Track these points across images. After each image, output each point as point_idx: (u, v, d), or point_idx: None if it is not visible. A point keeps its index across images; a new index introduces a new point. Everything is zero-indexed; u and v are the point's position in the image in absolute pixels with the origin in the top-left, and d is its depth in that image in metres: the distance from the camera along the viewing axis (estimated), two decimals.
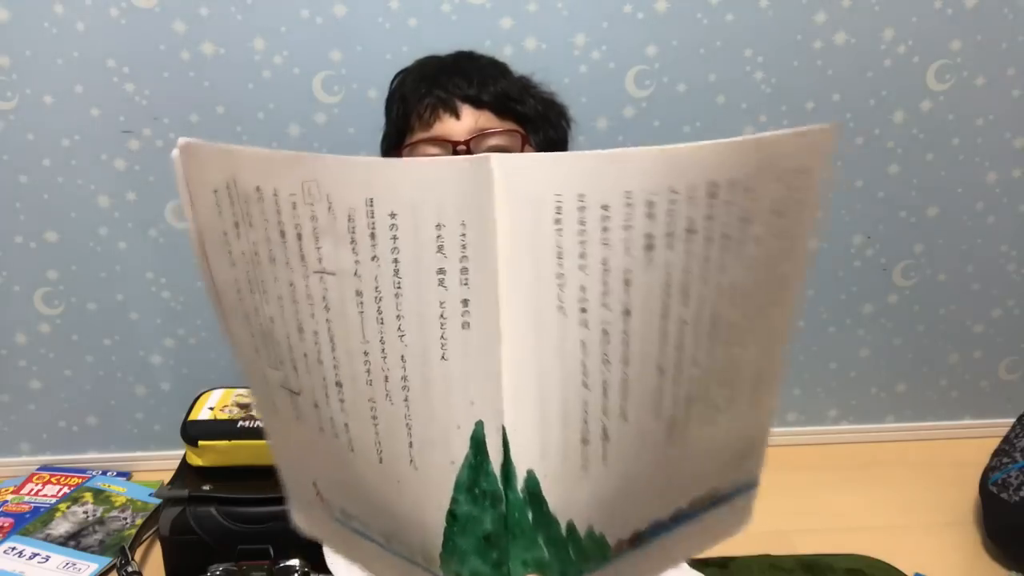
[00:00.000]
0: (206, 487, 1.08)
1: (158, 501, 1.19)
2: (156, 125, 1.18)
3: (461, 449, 0.37)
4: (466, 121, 0.73)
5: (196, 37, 1.13)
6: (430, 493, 0.39)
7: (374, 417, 0.38)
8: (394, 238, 0.35)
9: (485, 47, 0.91)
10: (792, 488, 1.29)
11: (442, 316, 0.36)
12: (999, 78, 1.22)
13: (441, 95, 0.74)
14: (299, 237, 0.37)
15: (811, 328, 1.36)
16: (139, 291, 1.27)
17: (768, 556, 1.14)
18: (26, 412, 1.33)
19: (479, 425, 0.37)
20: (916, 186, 1.28)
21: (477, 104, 0.74)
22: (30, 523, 1.19)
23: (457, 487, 0.38)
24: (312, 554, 1.06)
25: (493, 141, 0.73)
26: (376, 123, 0.85)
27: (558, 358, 0.36)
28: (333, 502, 0.45)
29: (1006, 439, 1.21)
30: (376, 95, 1.14)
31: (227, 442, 1.09)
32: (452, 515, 0.38)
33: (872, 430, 1.43)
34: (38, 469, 1.33)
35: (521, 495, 0.37)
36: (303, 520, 0.49)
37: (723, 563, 1.12)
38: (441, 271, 0.35)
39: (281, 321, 0.39)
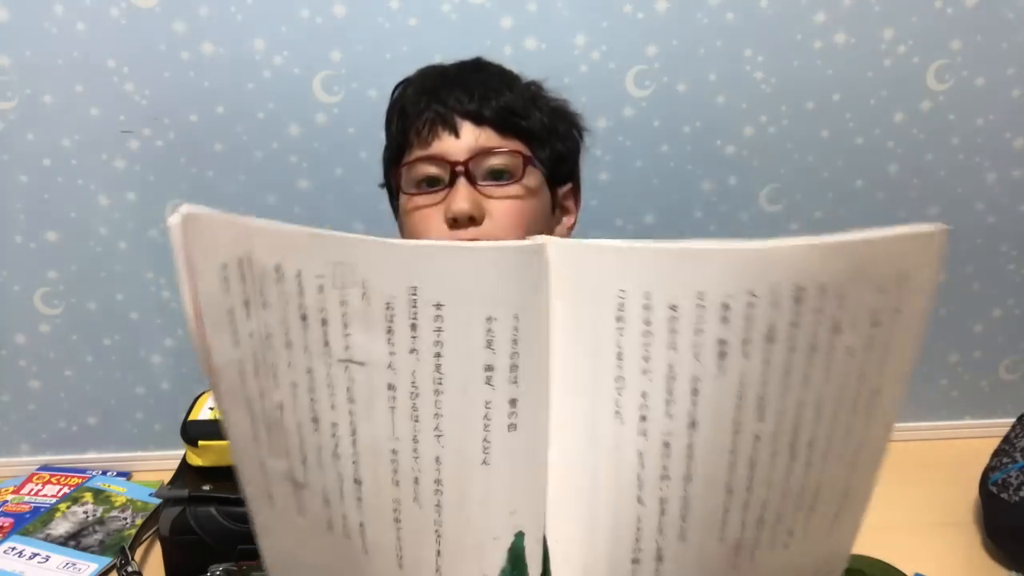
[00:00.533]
0: (206, 487, 1.07)
1: (158, 501, 1.19)
2: (156, 125, 1.18)
3: (497, 563, 0.34)
4: (466, 139, 0.70)
5: (196, 37, 1.13)
6: None
7: (397, 520, 0.34)
8: (438, 330, 0.32)
9: (485, 47, 0.92)
10: None
11: (487, 417, 0.33)
12: (999, 78, 1.22)
13: (440, 110, 0.71)
14: (324, 323, 0.33)
15: None
16: (139, 291, 1.27)
17: None
18: (26, 412, 1.33)
19: (519, 537, 0.34)
20: (916, 186, 1.28)
21: (478, 120, 0.70)
22: (30, 523, 1.19)
23: None
24: None
25: (493, 161, 0.70)
26: (376, 123, 0.85)
27: (612, 468, 0.33)
28: None
29: (1006, 439, 1.21)
30: (376, 95, 1.14)
31: (227, 442, 1.09)
32: None
33: None
34: (38, 469, 1.33)
35: None
36: None
37: None
38: (489, 368, 0.32)
39: (292, 410, 0.35)
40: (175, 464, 1.14)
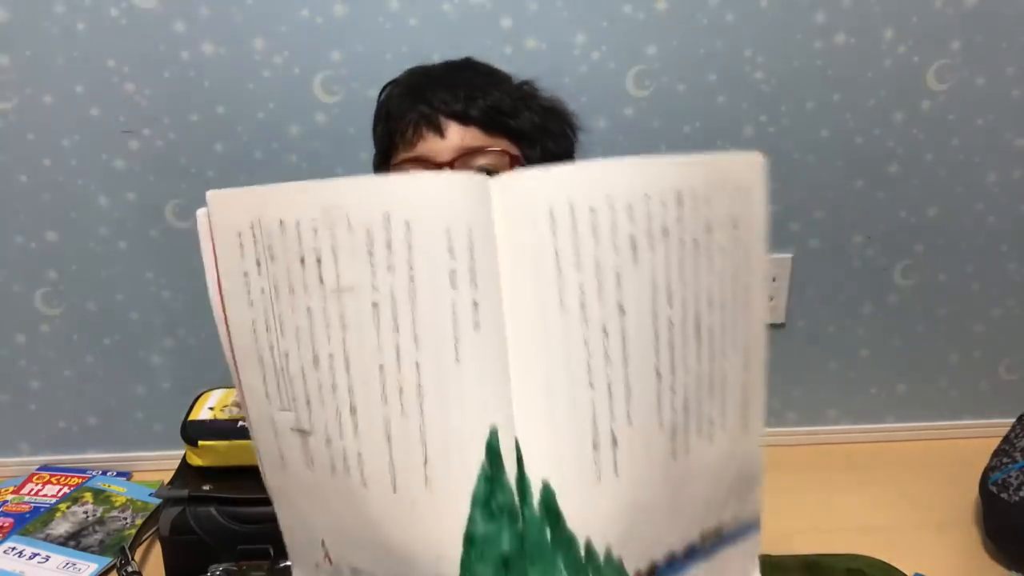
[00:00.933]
0: (206, 487, 1.07)
1: (158, 501, 1.19)
2: (156, 125, 1.18)
3: (476, 460, 0.37)
4: (451, 139, 0.70)
5: (196, 37, 1.13)
6: (446, 516, 0.38)
7: (388, 437, 0.39)
8: (409, 246, 0.37)
9: (485, 47, 0.92)
10: (792, 488, 1.29)
11: (454, 317, 0.37)
12: (999, 78, 1.22)
13: (425, 111, 0.70)
14: (318, 262, 0.39)
15: (811, 328, 1.36)
16: (139, 291, 1.27)
17: (768, 556, 1.13)
18: (26, 412, 1.33)
19: (494, 433, 0.37)
20: (916, 186, 1.28)
21: (463, 120, 0.70)
22: (30, 523, 1.19)
23: (473, 503, 0.38)
24: None
25: (479, 161, 0.70)
26: None
27: (563, 358, 0.37)
28: (341, 561, 0.44)
29: (1006, 439, 1.21)
30: (376, 95, 1.14)
31: (227, 442, 1.09)
32: (468, 539, 0.38)
33: (872, 430, 1.43)
34: (38, 469, 1.33)
35: (537, 511, 0.37)
36: None
37: None
38: (452, 272, 0.37)
39: (297, 354, 0.41)
40: (175, 464, 1.14)
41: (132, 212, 1.22)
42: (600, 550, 0.39)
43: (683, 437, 0.41)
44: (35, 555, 1.12)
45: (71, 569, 1.10)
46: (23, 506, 1.23)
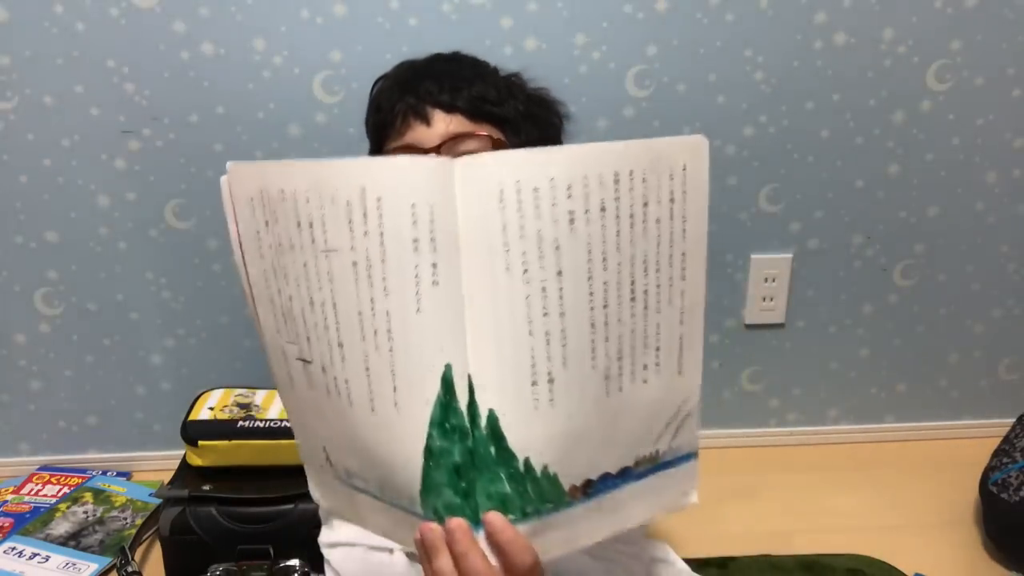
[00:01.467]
0: (206, 487, 1.08)
1: (158, 501, 1.19)
2: (156, 125, 1.18)
3: (433, 389, 0.46)
4: (437, 127, 0.73)
5: (196, 37, 1.13)
6: (411, 431, 0.46)
7: (367, 369, 0.47)
8: (380, 215, 0.44)
9: (485, 47, 0.92)
10: (792, 488, 1.29)
11: (416, 276, 0.45)
12: (999, 78, 1.22)
13: (411, 101, 0.74)
14: (311, 225, 0.47)
15: (811, 328, 1.36)
16: (139, 291, 1.27)
17: (768, 556, 1.14)
18: (26, 412, 1.33)
19: (448, 368, 0.46)
20: (916, 186, 1.28)
21: (449, 109, 0.73)
22: (30, 523, 1.19)
23: (431, 423, 0.46)
24: (312, 554, 1.06)
25: (464, 146, 0.73)
26: None
27: (508, 311, 0.45)
28: (338, 464, 0.53)
29: (1006, 439, 1.21)
30: None
31: (227, 442, 1.09)
32: (428, 450, 0.46)
33: (872, 430, 1.43)
34: (38, 469, 1.33)
35: (484, 432, 0.46)
36: (317, 488, 0.58)
37: (723, 563, 1.12)
38: (415, 240, 0.44)
39: (298, 298, 0.49)
40: (175, 464, 1.14)
41: (132, 212, 1.22)
42: (537, 466, 0.47)
43: (616, 380, 0.48)
44: (35, 555, 1.12)
45: (71, 569, 1.10)
46: (23, 506, 1.23)
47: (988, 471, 1.17)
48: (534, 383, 0.46)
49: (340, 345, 0.48)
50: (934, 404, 1.42)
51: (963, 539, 1.18)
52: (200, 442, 1.09)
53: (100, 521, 1.21)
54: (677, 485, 0.54)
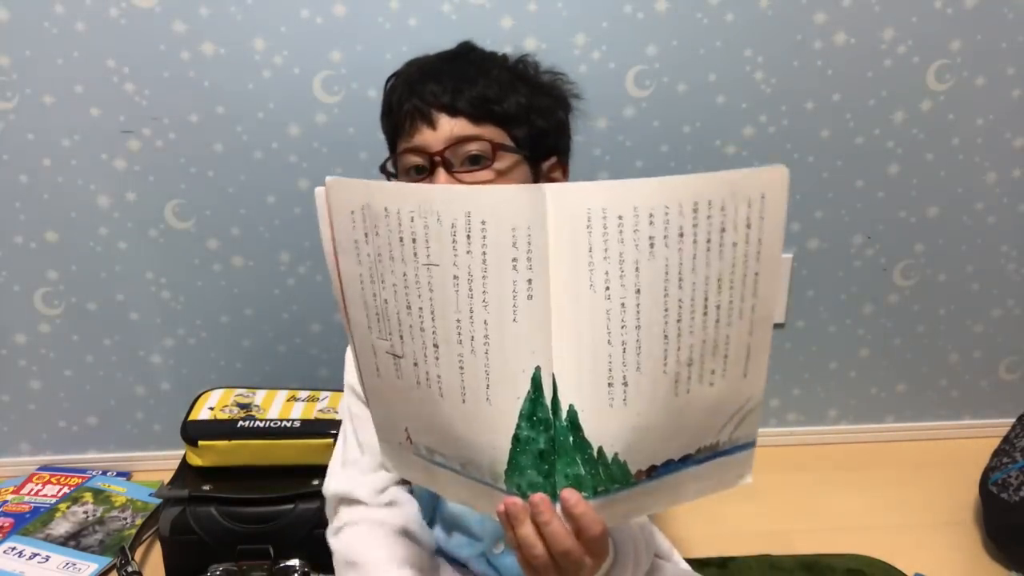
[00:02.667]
0: (206, 487, 1.08)
1: (158, 501, 1.19)
2: (156, 125, 1.18)
3: (524, 387, 0.52)
4: (442, 130, 0.76)
5: (196, 37, 1.13)
6: (501, 423, 0.53)
7: (461, 368, 0.54)
8: (484, 237, 0.50)
9: (485, 47, 0.91)
10: (792, 488, 1.29)
11: (514, 291, 0.51)
12: (999, 78, 1.22)
13: (418, 104, 0.77)
14: (413, 241, 0.52)
15: (811, 328, 1.36)
16: (139, 291, 1.27)
17: (768, 556, 1.14)
18: (26, 412, 1.33)
19: (537, 370, 0.52)
20: (916, 186, 1.28)
21: (452, 112, 0.76)
22: (30, 523, 1.19)
23: (521, 416, 0.53)
24: (312, 554, 1.06)
25: (466, 148, 0.76)
26: (376, 123, 0.85)
27: (589, 322, 0.51)
28: (419, 442, 0.60)
29: (1006, 439, 1.21)
30: (376, 95, 1.13)
31: (227, 442, 1.09)
32: (516, 439, 0.53)
33: (872, 430, 1.43)
34: (38, 469, 1.33)
35: (564, 423, 0.52)
36: (390, 458, 0.65)
37: (723, 563, 1.12)
38: (514, 260, 0.50)
39: (394, 302, 0.55)
40: (175, 464, 1.14)
41: (132, 212, 1.22)
42: (609, 454, 0.53)
43: (685, 383, 0.53)
44: (35, 555, 1.12)
45: (71, 569, 1.10)
46: (23, 506, 1.24)
47: (988, 471, 1.17)
48: (610, 384, 0.52)
49: (435, 346, 0.54)
50: (934, 404, 1.42)
51: (963, 539, 1.18)
52: (200, 442, 1.09)
53: (100, 521, 1.21)
54: (733, 469, 0.59)
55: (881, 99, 1.23)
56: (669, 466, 0.56)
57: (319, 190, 0.56)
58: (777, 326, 1.35)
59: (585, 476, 0.54)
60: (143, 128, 1.18)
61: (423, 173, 0.78)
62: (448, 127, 0.76)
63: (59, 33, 1.12)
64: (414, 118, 0.77)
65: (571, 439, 0.53)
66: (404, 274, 0.53)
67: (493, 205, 0.50)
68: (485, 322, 0.52)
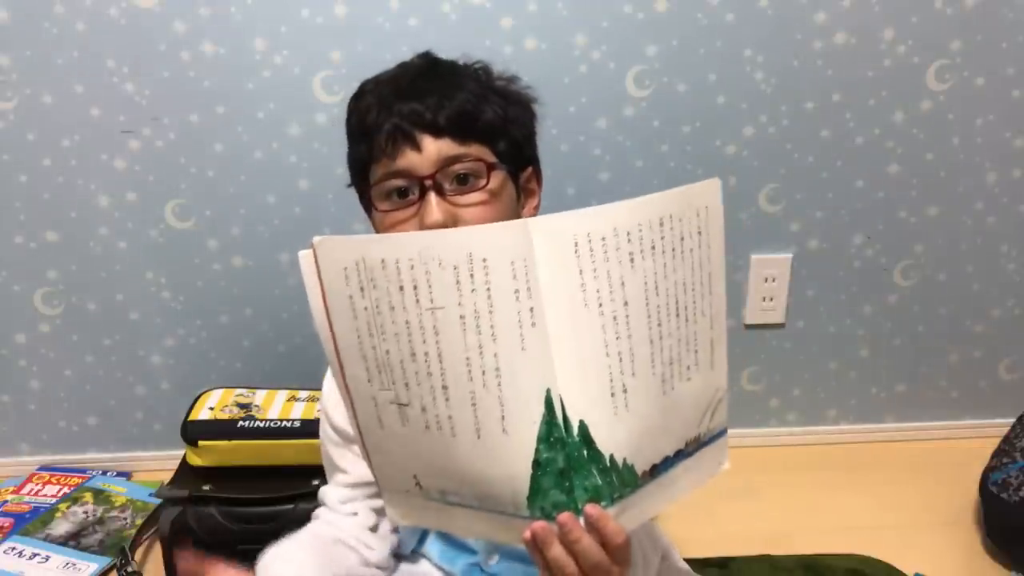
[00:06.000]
0: (206, 487, 1.08)
1: (158, 501, 1.19)
2: (156, 125, 1.18)
3: (539, 411, 0.54)
4: (428, 152, 0.73)
5: (196, 37, 1.13)
6: (520, 451, 0.55)
7: (474, 404, 0.55)
8: (486, 274, 0.53)
9: (485, 47, 0.92)
10: (792, 488, 1.29)
11: (519, 321, 0.53)
12: (999, 78, 1.22)
13: (398, 123, 0.74)
14: (415, 288, 0.53)
15: (811, 328, 1.36)
16: (139, 291, 1.27)
17: (768, 556, 1.14)
18: (26, 412, 1.33)
19: (548, 392, 0.54)
20: (916, 186, 1.28)
21: (436, 132, 0.73)
22: (30, 523, 1.19)
23: (539, 440, 0.55)
24: None
25: (457, 168, 0.74)
26: None
27: (588, 338, 0.54)
28: (430, 486, 0.60)
29: (1006, 439, 1.21)
30: None
31: (227, 442, 1.09)
32: (536, 463, 0.55)
33: (872, 430, 1.43)
34: (38, 469, 1.33)
35: (576, 439, 0.55)
36: (397, 507, 0.65)
37: (723, 563, 1.12)
38: (516, 291, 0.53)
39: (396, 351, 0.55)
40: (175, 464, 1.14)
41: (132, 212, 1.22)
42: (619, 460, 0.56)
43: (670, 381, 0.58)
44: (35, 555, 1.12)
45: (71, 569, 1.10)
46: (23, 506, 1.23)
47: (988, 471, 1.17)
48: (612, 394, 0.55)
49: (444, 387, 0.55)
50: (934, 404, 1.42)
51: (963, 539, 1.18)
52: (200, 442, 1.09)
53: (100, 521, 1.21)
54: (714, 457, 0.64)
55: (881, 99, 1.23)
56: (667, 463, 0.59)
57: (303, 253, 0.55)
58: (777, 326, 1.35)
59: (603, 486, 0.56)
60: (143, 128, 1.18)
61: (406, 197, 0.74)
62: (434, 148, 0.73)
63: (59, 33, 1.12)
64: (396, 140, 0.73)
65: (585, 452, 0.55)
66: (407, 322, 0.54)
67: (491, 242, 0.53)
68: (495, 355, 0.54)
